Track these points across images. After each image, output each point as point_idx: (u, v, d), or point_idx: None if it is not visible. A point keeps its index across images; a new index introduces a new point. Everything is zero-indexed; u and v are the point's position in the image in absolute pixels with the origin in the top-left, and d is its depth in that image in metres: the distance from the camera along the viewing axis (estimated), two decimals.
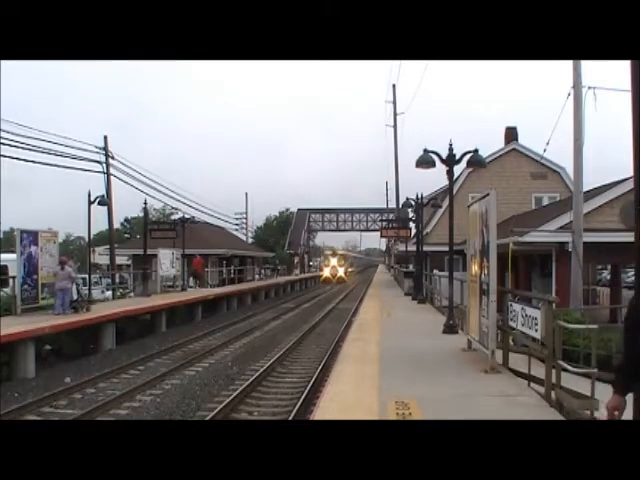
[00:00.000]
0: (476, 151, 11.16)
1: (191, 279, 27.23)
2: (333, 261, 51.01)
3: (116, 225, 40.42)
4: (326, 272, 50.84)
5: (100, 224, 31.76)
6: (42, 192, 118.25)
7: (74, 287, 15.21)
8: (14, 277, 14.52)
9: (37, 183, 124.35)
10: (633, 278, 4.58)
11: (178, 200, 31.93)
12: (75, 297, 15.23)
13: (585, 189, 13.17)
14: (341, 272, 50.86)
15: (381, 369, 7.73)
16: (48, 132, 20.33)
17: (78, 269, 29.32)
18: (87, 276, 18.67)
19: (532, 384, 6.81)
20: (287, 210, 64.64)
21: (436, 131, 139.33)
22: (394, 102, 37.54)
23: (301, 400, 8.89)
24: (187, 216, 29.04)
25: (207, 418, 7.98)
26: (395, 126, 37.65)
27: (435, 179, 34.06)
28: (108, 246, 28.45)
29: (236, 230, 53.56)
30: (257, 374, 10.94)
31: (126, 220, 58.15)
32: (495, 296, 7.41)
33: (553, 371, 6.11)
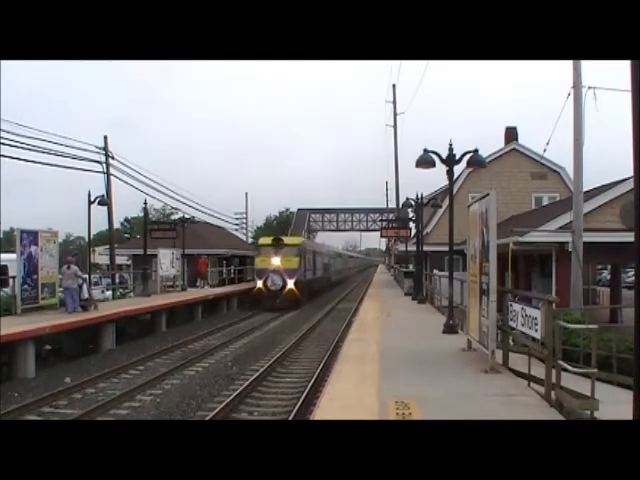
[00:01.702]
0: (476, 151, 11.16)
1: (199, 280, 27.29)
2: (274, 260, 25.38)
3: (116, 225, 40.49)
4: (259, 283, 25.29)
5: (100, 224, 31.84)
6: (42, 192, 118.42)
7: (84, 286, 15.32)
8: (14, 277, 14.56)
9: (37, 183, 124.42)
10: (633, 278, 4.56)
11: (178, 200, 32.01)
12: (86, 296, 15.32)
13: (585, 189, 13.17)
14: (291, 283, 25.08)
15: (381, 369, 7.72)
16: (48, 132, 20.37)
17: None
18: (87, 276, 18.68)
19: (532, 384, 6.80)
20: (287, 210, 64.67)
21: (436, 131, 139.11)
22: (394, 102, 37.50)
23: (301, 400, 8.90)
24: (187, 216, 29.08)
25: (207, 418, 7.99)
26: (395, 126, 37.62)
27: (435, 179, 34.10)
28: (108, 246, 28.47)
29: (236, 230, 53.60)
30: (257, 374, 10.94)
31: (126, 220, 58.18)
32: (495, 296, 7.41)
33: (553, 371, 6.11)
